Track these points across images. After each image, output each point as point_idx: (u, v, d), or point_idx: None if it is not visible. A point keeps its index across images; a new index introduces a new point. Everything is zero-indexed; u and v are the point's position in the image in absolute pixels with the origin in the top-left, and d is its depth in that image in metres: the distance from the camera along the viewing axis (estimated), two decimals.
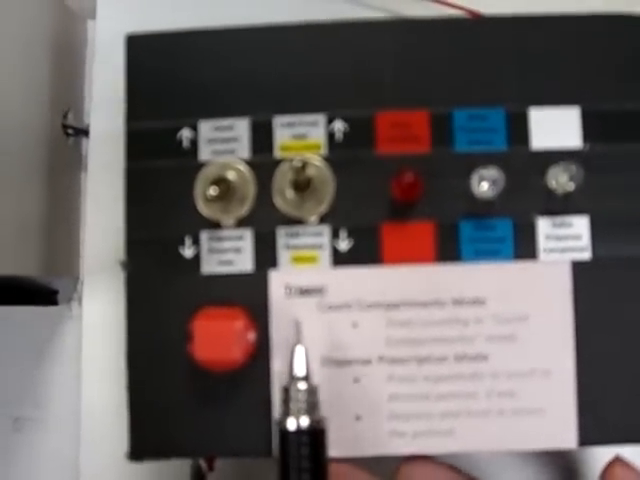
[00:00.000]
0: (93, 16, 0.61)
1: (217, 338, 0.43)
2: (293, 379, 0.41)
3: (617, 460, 0.45)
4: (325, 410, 0.43)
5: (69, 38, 0.61)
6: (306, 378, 0.42)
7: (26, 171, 0.53)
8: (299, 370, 0.41)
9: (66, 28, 0.61)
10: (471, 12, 0.51)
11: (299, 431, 0.41)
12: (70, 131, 0.60)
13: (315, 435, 0.41)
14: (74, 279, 0.60)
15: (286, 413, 0.41)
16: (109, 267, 0.52)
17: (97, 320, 0.58)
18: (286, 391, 0.41)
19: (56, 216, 0.58)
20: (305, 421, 0.41)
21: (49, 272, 0.56)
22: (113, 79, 0.49)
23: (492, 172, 0.43)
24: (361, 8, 0.56)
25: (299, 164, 0.43)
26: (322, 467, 0.41)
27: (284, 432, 0.41)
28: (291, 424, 0.41)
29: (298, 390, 0.41)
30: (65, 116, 0.60)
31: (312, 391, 0.41)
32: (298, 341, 0.43)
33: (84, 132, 0.60)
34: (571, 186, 0.44)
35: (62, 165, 0.59)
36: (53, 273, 0.57)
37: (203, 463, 0.49)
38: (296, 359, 0.42)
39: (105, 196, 0.59)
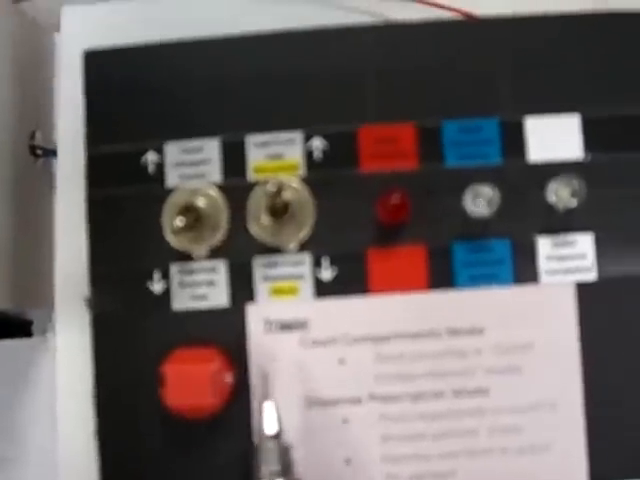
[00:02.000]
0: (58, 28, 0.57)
1: (190, 383, 0.40)
2: (264, 438, 0.37)
3: None
4: (311, 453, 0.41)
5: (35, 54, 0.57)
6: (277, 436, 0.37)
7: None
8: (269, 428, 0.37)
9: (32, 43, 0.57)
10: (464, 13, 0.47)
11: None
12: (39, 152, 0.56)
13: None
14: (49, 309, 0.56)
15: (257, 477, 0.36)
16: (82, 295, 0.48)
17: (71, 351, 0.55)
18: (257, 451, 0.37)
19: (26, 243, 0.54)
20: None
21: (21, 303, 0.53)
22: (80, 96, 0.45)
23: (486, 189, 0.39)
24: (345, 12, 0.52)
25: (274, 188, 0.39)
26: None
27: None
28: None
29: (269, 450, 0.37)
30: (32, 136, 0.56)
31: (285, 450, 0.37)
32: (267, 396, 0.39)
33: (54, 152, 0.56)
34: (573, 202, 0.40)
35: (31, 188, 0.56)
36: (25, 304, 0.53)
37: None
38: (266, 416, 0.38)
39: (76, 220, 0.54)
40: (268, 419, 0.38)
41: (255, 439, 0.38)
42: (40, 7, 0.55)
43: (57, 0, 0.53)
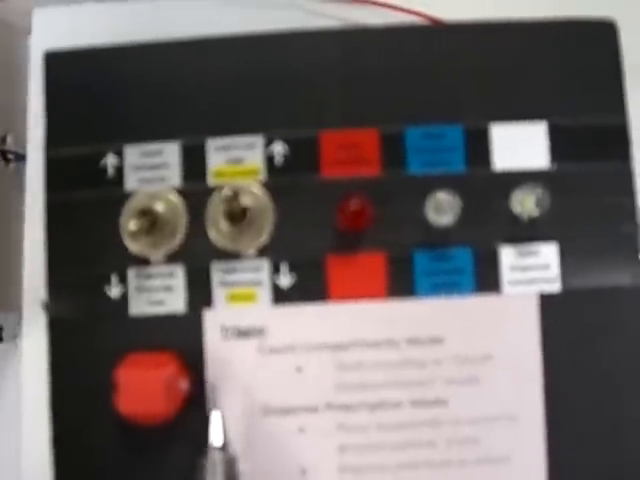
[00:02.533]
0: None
1: (143, 389, 0.39)
2: (209, 450, 0.36)
3: None
4: (266, 463, 0.41)
5: (7, 56, 0.57)
6: (224, 448, 0.36)
7: None
8: (216, 439, 0.37)
9: (4, 46, 0.56)
10: (429, 18, 0.46)
11: None
12: (10, 156, 0.55)
13: None
14: (18, 314, 0.56)
15: None
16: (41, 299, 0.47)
17: (37, 355, 0.54)
18: (202, 463, 0.36)
19: None
20: None
21: None
22: None
23: (448, 197, 0.39)
24: (310, 16, 0.51)
25: (229, 192, 0.39)
26: None
27: None
28: None
29: (215, 462, 0.36)
30: (4, 140, 0.55)
31: (231, 462, 0.36)
32: (214, 406, 0.38)
33: (25, 157, 0.55)
34: (537, 211, 0.40)
35: (1, 193, 0.55)
36: None
37: None
38: (212, 426, 0.37)
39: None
40: (215, 430, 0.37)
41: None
42: (13, 9, 0.55)
43: (31, 2, 0.53)
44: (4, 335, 0.55)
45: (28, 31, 0.55)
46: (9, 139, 0.53)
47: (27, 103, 0.55)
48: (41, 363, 0.52)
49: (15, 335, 0.55)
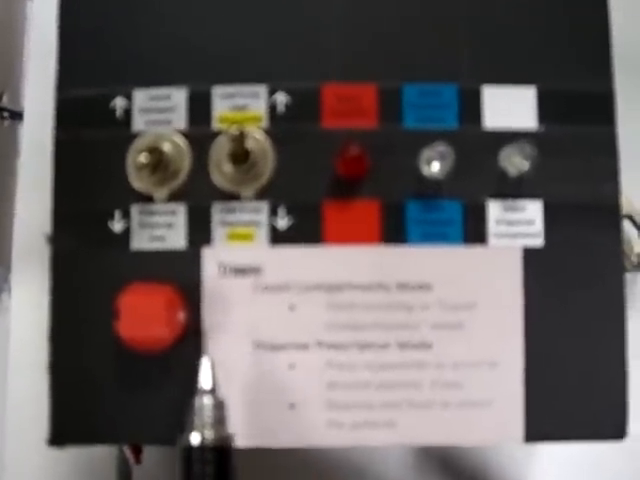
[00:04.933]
0: None
1: (144, 314, 0.41)
2: (198, 392, 0.39)
3: None
4: (256, 397, 0.42)
5: (6, 18, 0.58)
6: (212, 391, 0.39)
7: None
8: (205, 383, 0.39)
9: (4, 7, 0.58)
10: None
11: (203, 447, 0.38)
12: (5, 114, 0.57)
13: (221, 452, 0.38)
14: (5, 270, 0.57)
15: (190, 428, 0.38)
16: (39, 255, 0.49)
17: (26, 309, 0.55)
18: (191, 404, 0.39)
19: None
20: (210, 436, 0.38)
21: None
22: (49, 59, 0.45)
23: (441, 148, 0.41)
24: None
25: (236, 132, 0.40)
26: None
27: (187, 448, 0.38)
28: (195, 439, 0.38)
29: (203, 405, 0.38)
30: (0, 98, 0.56)
31: (219, 405, 0.39)
32: (204, 352, 0.42)
33: (20, 115, 0.57)
34: (525, 165, 0.42)
35: None
36: None
37: (129, 455, 0.46)
38: (202, 371, 0.39)
39: (37, 182, 0.55)
40: (204, 374, 0.39)
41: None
42: None
43: None
44: None
45: None
46: (5, 97, 0.55)
47: (22, 64, 0.57)
48: (30, 315, 0.53)
49: (1, 290, 0.56)
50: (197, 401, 0.39)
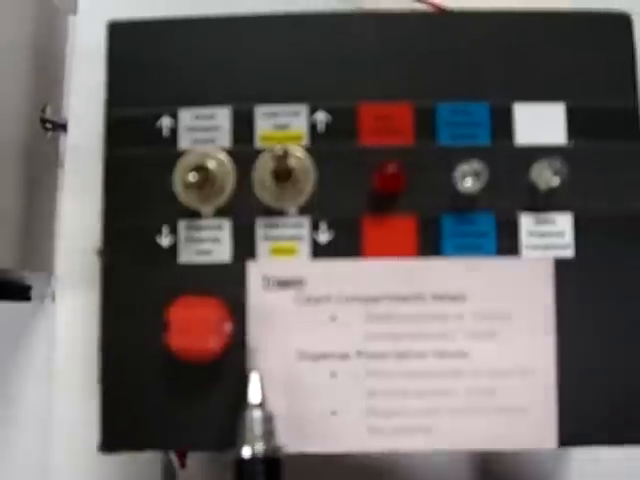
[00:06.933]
0: (75, 11, 0.60)
1: (193, 327, 0.42)
2: (248, 406, 0.41)
3: None
4: (300, 404, 0.44)
5: (50, 33, 0.61)
6: (261, 405, 0.41)
7: (2, 164, 0.52)
8: (254, 397, 0.41)
9: (47, 23, 0.60)
10: (436, 7, 0.51)
11: (254, 460, 0.40)
12: (48, 125, 0.59)
13: (271, 464, 0.41)
14: (48, 275, 0.59)
15: (241, 441, 0.40)
16: (84, 264, 0.51)
17: (71, 316, 0.57)
18: (241, 418, 0.41)
19: (32, 210, 0.57)
20: (260, 449, 0.40)
21: (23, 265, 0.55)
22: (92, 74, 0.48)
23: (475, 165, 0.43)
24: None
25: (280, 152, 0.42)
26: None
27: (239, 461, 0.40)
28: (246, 452, 0.40)
29: (253, 418, 0.41)
30: (44, 110, 0.59)
31: (268, 418, 0.41)
32: (253, 367, 0.43)
33: (62, 127, 0.59)
34: (555, 181, 0.44)
35: (39, 159, 0.58)
36: (28, 267, 0.56)
37: (175, 459, 0.48)
38: (251, 386, 0.41)
39: (81, 192, 0.58)
40: (253, 389, 0.41)
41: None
42: None
43: None
44: (32, 295, 0.58)
45: (68, 8, 0.59)
46: (48, 109, 0.57)
47: (64, 78, 0.59)
48: (74, 321, 0.55)
49: (43, 296, 0.58)
50: (247, 415, 0.41)
